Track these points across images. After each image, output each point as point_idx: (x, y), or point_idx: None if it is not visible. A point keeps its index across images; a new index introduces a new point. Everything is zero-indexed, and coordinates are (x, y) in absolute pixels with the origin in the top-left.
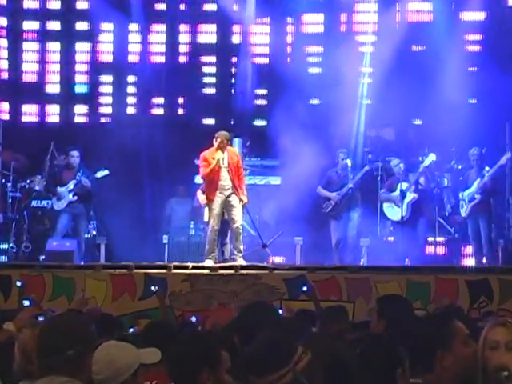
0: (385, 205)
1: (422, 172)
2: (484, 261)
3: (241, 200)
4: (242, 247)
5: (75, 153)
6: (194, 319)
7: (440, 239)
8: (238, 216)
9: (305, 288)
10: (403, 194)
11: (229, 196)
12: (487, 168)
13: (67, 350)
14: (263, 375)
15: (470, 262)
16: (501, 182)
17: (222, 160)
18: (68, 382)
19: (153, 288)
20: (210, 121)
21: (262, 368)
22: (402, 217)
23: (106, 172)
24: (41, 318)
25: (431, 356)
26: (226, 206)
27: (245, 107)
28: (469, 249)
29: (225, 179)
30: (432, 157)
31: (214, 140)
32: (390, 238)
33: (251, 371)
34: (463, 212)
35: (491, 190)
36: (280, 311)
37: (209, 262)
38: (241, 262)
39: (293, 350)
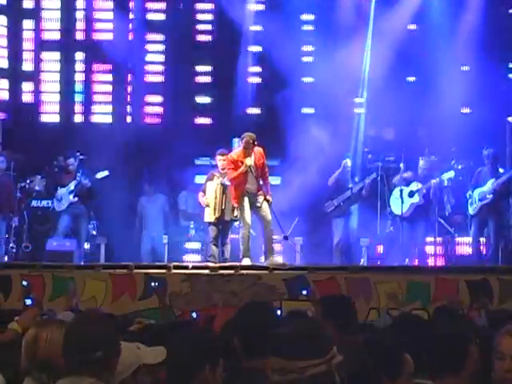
0: (393, 195)
1: (433, 184)
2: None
3: (267, 200)
4: (270, 247)
5: (72, 160)
6: (194, 315)
7: (439, 239)
8: (266, 215)
9: (304, 292)
10: (412, 194)
11: (255, 197)
12: (501, 170)
13: (96, 351)
14: (294, 359)
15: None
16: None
17: (251, 164)
18: (94, 383)
19: (152, 284)
20: (206, 120)
21: (294, 352)
22: (403, 213)
23: (106, 173)
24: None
25: (463, 355)
26: (254, 207)
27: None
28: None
29: (252, 183)
30: (451, 174)
31: (240, 140)
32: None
33: (280, 353)
34: (471, 210)
35: (507, 191)
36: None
37: (246, 261)
38: (277, 260)
39: (329, 347)
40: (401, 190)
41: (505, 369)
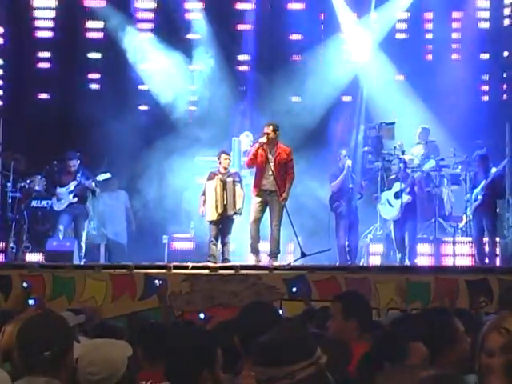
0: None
1: (416, 178)
2: (486, 260)
3: (281, 195)
4: (273, 247)
5: (73, 162)
6: (202, 316)
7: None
8: (273, 215)
9: (294, 289)
10: (398, 195)
11: (270, 193)
12: (494, 169)
13: (43, 352)
14: (279, 366)
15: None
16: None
17: (268, 151)
18: (46, 382)
19: (156, 282)
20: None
21: (278, 358)
22: (401, 213)
23: (108, 175)
24: None
25: (439, 350)
26: (268, 202)
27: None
28: (465, 248)
29: (268, 175)
30: (432, 163)
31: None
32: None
33: (264, 362)
34: (469, 211)
35: (495, 190)
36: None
37: (251, 258)
38: (274, 262)
39: (314, 347)
40: (384, 196)
41: (495, 364)
